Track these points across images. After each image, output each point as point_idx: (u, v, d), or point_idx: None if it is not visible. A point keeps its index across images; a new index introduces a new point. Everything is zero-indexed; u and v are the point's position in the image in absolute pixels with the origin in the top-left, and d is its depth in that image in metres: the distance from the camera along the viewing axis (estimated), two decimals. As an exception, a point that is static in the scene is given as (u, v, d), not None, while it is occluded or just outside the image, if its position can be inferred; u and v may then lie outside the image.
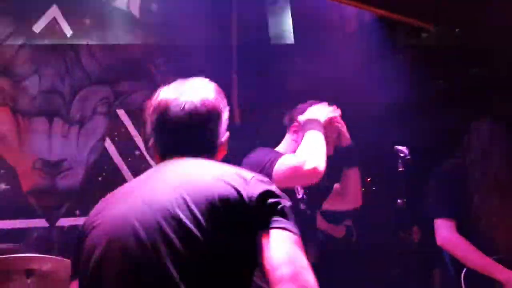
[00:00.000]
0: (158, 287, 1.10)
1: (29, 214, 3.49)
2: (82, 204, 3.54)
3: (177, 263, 1.10)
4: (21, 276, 2.25)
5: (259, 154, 2.25)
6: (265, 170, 2.10)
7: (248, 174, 1.20)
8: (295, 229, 1.14)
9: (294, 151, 2.22)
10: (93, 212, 1.28)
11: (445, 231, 2.43)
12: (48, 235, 3.45)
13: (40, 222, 3.50)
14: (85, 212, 1.41)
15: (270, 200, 1.14)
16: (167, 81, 1.46)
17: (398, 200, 2.50)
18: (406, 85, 3.48)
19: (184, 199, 1.14)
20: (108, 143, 3.91)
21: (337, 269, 3.25)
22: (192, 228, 1.11)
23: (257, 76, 4.01)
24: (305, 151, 2.13)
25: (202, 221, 1.11)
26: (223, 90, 1.45)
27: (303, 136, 2.22)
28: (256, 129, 3.85)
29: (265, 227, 1.12)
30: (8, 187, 3.47)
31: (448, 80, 3.86)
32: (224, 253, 1.11)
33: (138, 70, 4.16)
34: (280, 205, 1.15)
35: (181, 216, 1.12)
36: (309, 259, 1.53)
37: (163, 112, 1.29)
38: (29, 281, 2.25)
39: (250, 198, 1.13)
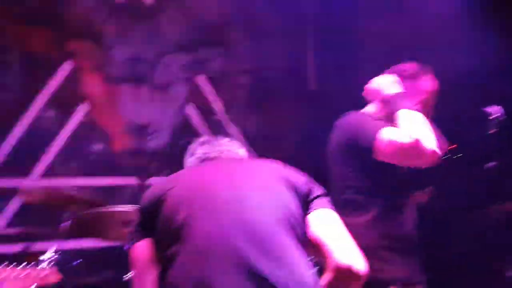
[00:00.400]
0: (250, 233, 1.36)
1: (121, 172, 3.89)
2: (168, 165, 3.90)
3: (262, 214, 1.40)
4: (119, 226, 2.58)
5: (356, 118, 2.15)
6: (365, 138, 1.99)
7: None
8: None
9: (387, 114, 2.11)
10: (157, 187, 1.53)
11: None
12: (138, 193, 3.85)
13: (131, 180, 3.90)
14: (170, 173, 1.69)
15: (317, 186, 1.54)
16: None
17: (489, 164, 2.45)
18: (495, 48, 3.38)
19: (265, 174, 1.52)
20: (189, 108, 4.24)
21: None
22: (274, 192, 1.45)
23: (334, 41, 4.09)
24: (414, 129, 1.92)
25: (280, 189, 1.46)
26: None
27: (390, 108, 2.08)
28: (332, 94, 3.96)
29: (318, 207, 1.48)
30: (102, 147, 3.89)
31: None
32: (294, 213, 1.44)
33: (217, 37, 4.42)
34: (325, 191, 1.53)
35: (265, 181, 1.49)
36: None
37: (210, 140, 1.76)
38: (127, 230, 2.58)
39: (310, 184, 1.52)
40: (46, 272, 1.92)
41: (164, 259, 1.40)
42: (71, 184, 3.54)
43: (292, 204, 1.45)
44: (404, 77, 2.19)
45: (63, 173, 3.71)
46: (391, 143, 1.92)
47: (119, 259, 2.94)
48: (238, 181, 1.48)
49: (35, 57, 3.74)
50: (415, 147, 1.89)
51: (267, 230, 1.37)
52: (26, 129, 3.67)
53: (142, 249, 1.46)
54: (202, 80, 4.31)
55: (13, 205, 3.52)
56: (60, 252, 2.48)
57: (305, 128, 4.04)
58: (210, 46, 4.38)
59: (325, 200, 1.52)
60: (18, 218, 3.48)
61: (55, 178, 3.65)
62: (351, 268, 1.40)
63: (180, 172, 1.62)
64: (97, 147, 3.88)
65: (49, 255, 2.42)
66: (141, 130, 4.03)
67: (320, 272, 1.44)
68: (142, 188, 3.86)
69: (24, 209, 3.43)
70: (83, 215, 2.57)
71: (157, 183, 1.58)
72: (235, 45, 4.48)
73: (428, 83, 2.21)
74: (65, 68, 3.83)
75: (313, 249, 1.45)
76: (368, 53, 3.88)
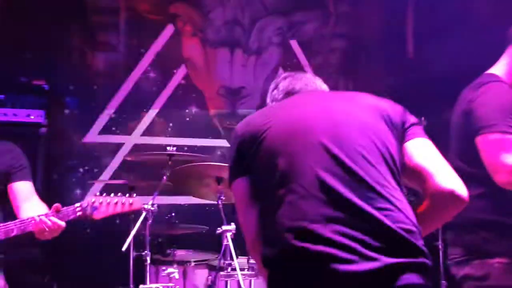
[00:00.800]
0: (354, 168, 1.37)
1: (214, 134, 4.08)
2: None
3: (365, 150, 1.40)
4: (214, 181, 2.74)
5: (488, 100, 1.89)
6: (477, 130, 1.85)
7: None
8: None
9: None
10: (252, 123, 1.51)
11: None
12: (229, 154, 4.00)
13: (223, 142, 4.07)
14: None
15: (411, 116, 1.53)
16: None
17: None
18: None
19: (361, 107, 1.50)
20: (281, 73, 4.27)
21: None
22: (373, 128, 1.45)
23: (434, 4, 3.88)
24: None
25: (377, 123, 1.46)
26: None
27: None
28: (429, 61, 3.78)
29: (415, 136, 1.48)
30: (198, 109, 4.08)
31: None
32: (392, 149, 1.44)
33: (313, 0, 4.38)
34: (418, 120, 1.53)
35: (364, 115, 1.47)
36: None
37: (294, 73, 1.73)
38: (219, 186, 2.73)
39: (403, 113, 1.52)
40: (132, 200, 2.21)
41: (269, 199, 1.41)
42: (168, 144, 3.75)
43: (390, 137, 1.45)
44: None
45: (161, 133, 3.96)
46: (492, 158, 1.82)
47: (210, 215, 3.13)
48: (337, 118, 1.46)
49: (141, 19, 3.96)
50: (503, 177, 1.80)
51: (373, 171, 1.38)
52: (130, 88, 3.93)
53: (242, 185, 1.47)
54: (294, 44, 4.32)
55: (117, 160, 3.84)
56: (157, 205, 2.68)
57: (399, 95, 3.91)
58: (306, 9, 4.36)
59: (420, 129, 1.51)
60: (121, 171, 3.80)
61: (154, 137, 3.91)
62: (454, 191, 1.39)
63: (274, 106, 1.62)
64: (193, 108, 4.08)
65: (148, 207, 2.63)
66: (234, 94, 4.15)
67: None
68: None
69: (126, 163, 3.72)
70: (181, 169, 2.73)
71: (250, 119, 1.54)
72: (330, 8, 4.41)
73: None
74: (168, 31, 4.02)
75: (411, 176, 1.45)
76: (472, 16, 3.61)
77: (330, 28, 4.40)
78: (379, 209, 1.32)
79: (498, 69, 2.03)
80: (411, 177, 1.45)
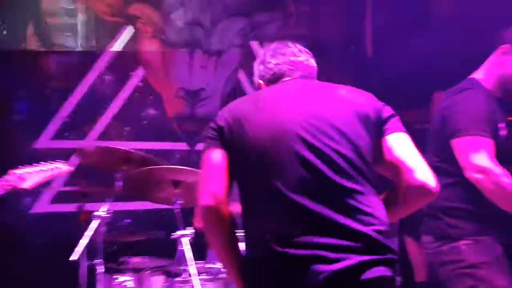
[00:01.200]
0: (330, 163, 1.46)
1: (173, 137, 4.02)
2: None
3: (336, 146, 1.49)
4: (170, 186, 2.69)
5: (467, 107, 2.11)
6: (452, 134, 2.07)
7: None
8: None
9: (498, 77, 2.16)
10: (236, 109, 1.57)
11: None
12: (188, 157, 3.97)
13: (182, 145, 4.02)
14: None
15: (385, 107, 1.60)
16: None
17: None
18: None
19: (340, 108, 1.56)
20: (242, 74, 4.26)
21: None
22: (347, 126, 1.52)
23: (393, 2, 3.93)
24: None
25: (354, 125, 1.53)
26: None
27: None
28: (389, 60, 3.83)
29: (394, 131, 1.57)
30: (156, 112, 4.02)
31: None
32: (368, 142, 1.53)
33: (274, 1, 4.38)
34: (398, 117, 1.61)
35: (341, 112, 1.55)
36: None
37: (280, 48, 1.74)
38: (176, 191, 2.69)
39: (379, 107, 1.59)
40: (57, 165, 2.29)
41: (250, 201, 1.50)
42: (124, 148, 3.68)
43: (364, 136, 1.53)
44: None
45: (118, 137, 3.87)
46: (469, 163, 2.03)
47: (167, 220, 3.07)
48: (314, 120, 1.51)
49: (98, 21, 3.87)
50: (484, 186, 2.02)
51: (346, 178, 1.47)
52: (85, 92, 3.83)
53: (221, 155, 1.51)
54: (255, 46, 4.31)
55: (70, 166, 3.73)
56: (111, 211, 2.61)
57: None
58: (267, 10, 4.36)
59: (397, 122, 1.60)
60: (74, 178, 3.67)
61: (109, 141, 3.82)
62: (427, 185, 1.53)
63: (257, 98, 1.62)
64: (151, 111, 4.01)
65: (101, 213, 2.56)
66: (193, 96, 4.11)
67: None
68: (191, 153, 3.99)
69: (80, 169, 3.61)
70: (136, 173, 2.68)
71: (236, 110, 1.58)
72: (291, 9, 4.43)
73: None
74: (125, 33, 3.94)
75: (388, 168, 1.56)
76: (432, 16, 3.69)
77: (291, 29, 4.42)
78: (353, 215, 1.44)
79: (480, 73, 2.20)
80: (387, 168, 1.57)
